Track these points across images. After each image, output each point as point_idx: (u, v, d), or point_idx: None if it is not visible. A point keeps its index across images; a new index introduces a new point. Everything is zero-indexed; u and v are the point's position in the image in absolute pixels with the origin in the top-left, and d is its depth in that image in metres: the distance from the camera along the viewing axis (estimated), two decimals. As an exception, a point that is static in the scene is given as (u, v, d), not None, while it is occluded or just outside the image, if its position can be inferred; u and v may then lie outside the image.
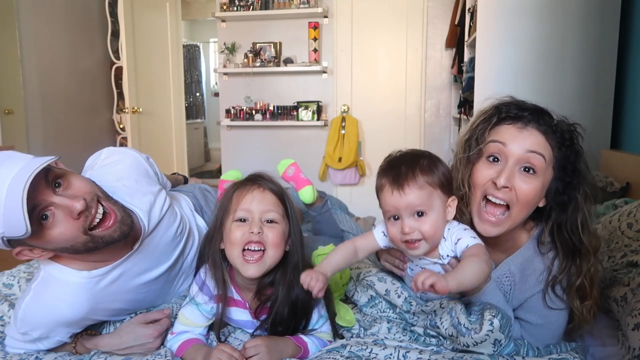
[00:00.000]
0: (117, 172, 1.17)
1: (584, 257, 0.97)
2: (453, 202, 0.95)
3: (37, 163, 0.90)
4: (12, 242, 0.93)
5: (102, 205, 1.01)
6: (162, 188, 1.26)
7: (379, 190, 0.95)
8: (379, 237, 1.04)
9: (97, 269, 1.06)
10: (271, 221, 1.02)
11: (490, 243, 1.05)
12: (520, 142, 0.95)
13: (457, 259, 0.95)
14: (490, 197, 0.97)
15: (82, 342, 1.11)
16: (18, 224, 0.87)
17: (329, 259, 1.01)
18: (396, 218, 0.93)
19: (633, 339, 0.93)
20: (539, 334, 1.02)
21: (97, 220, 0.99)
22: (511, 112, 0.99)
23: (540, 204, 0.99)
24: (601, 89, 2.21)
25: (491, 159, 0.98)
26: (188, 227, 1.31)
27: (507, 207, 0.96)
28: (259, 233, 0.99)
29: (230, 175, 1.47)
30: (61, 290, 1.04)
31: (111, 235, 1.01)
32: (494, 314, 0.93)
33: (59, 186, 0.97)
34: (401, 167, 0.92)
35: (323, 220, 1.59)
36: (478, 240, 0.92)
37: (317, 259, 1.28)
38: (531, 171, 0.94)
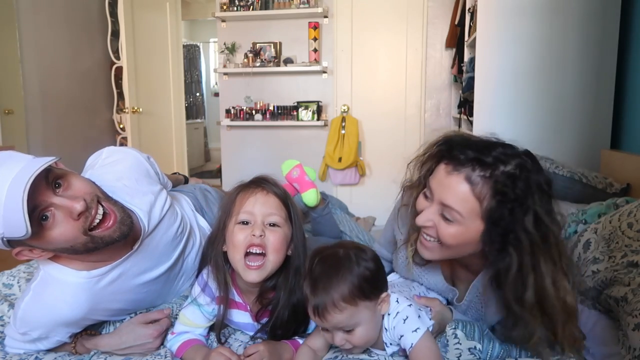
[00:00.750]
0: (118, 172, 1.17)
1: (532, 316, 0.88)
2: (386, 298, 0.92)
3: (37, 164, 0.90)
4: (12, 243, 0.93)
5: (102, 206, 1.01)
6: (162, 188, 1.26)
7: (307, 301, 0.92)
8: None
9: (96, 269, 1.06)
10: (273, 224, 1.02)
11: (461, 264, 1.07)
12: (441, 191, 0.90)
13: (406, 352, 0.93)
14: (422, 232, 0.98)
15: (81, 342, 1.11)
16: (18, 224, 0.87)
17: None
18: (327, 330, 0.92)
19: (634, 339, 0.93)
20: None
21: (97, 220, 0.99)
22: (452, 151, 0.91)
23: (486, 250, 0.92)
24: (601, 89, 2.21)
25: (425, 195, 0.97)
26: (189, 227, 1.31)
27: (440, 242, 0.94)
28: (260, 236, 0.99)
29: (289, 165, 1.41)
30: (61, 291, 1.04)
31: (111, 236, 1.01)
32: (454, 326, 0.95)
33: (59, 187, 0.97)
34: (321, 296, 0.87)
35: (324, 222, 1.60)
36: (420, 334, 0.89)
37: None
38: (449, 220, 0.90)
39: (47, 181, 0.95)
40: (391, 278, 1.20)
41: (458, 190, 0.87)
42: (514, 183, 0.84)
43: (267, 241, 1.00)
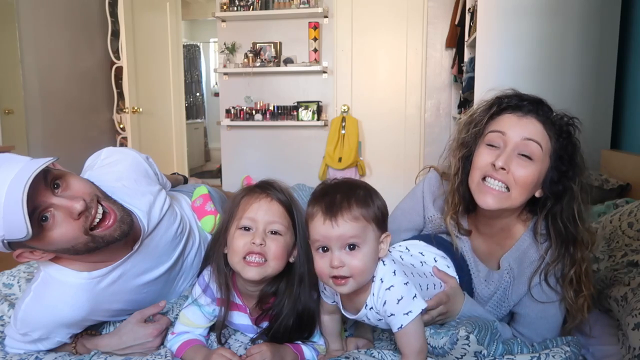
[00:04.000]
0: (117, 173, 1.17)
1: (578, 247, 1.00)
2: (386, 239, 0.88)
3: (36, 165, 0.90)
4: (12, 245, 0.93)
5: (102, 205, 1.01)
6: (161, 188, 1.26)
7: (309, 218, 0.87)
8: (323, 297, 1.02)
9: (97, 270, 1.06)
10: (275, 232, 1.01)
11: (487, 234, 1.09)
12: (519, 130, 0.98)
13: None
14: (488, 180, 1.00)
15: (82, 342, 1.11)
16: (19, 226, 0.86)
17: (330, 338, 1.04)
18: (325, 250, 0.86)
19: (633, 338, 0.93)
20: (538, 327, 1.04)
21: (97, 220, 0.99)
22: (512, 102, 1.02)
23: (537, 194, 1.01)
24: (601, 89, 2.21)
25: (490, 145, 1.02)
26: (188, 226, 1.31)
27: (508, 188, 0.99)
28: (260, 244, 0.98)
29: (198, 192, 1.46)
30: (61, 292, 1.04)
31: (112, 235, 1.00)
32: (469, 331, 0.93)
33: (58, 187, 0.97)
34: (336, 196, 0.85)
35: None
36: (411, 317, 0.86)
37: None
38: (528, 157, 0.97)
39: (46, 182, 0.94)
40: (411, 242, 1.16)
41: (535, 127, 0.98)
42: (565, 125, 1.00)
43: (268, 249, 0.99)
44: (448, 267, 1.09)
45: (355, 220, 0.83)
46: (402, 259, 1.02)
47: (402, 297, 0.87)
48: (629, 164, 1.90)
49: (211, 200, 1.42)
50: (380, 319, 0.92)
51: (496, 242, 1.09)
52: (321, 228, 0.84)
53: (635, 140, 2.11)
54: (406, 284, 0.89)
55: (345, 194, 0.85)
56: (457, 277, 1.09)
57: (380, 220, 0.87)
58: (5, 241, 0.91)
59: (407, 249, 1.10)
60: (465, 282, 1.10)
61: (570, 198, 0.99)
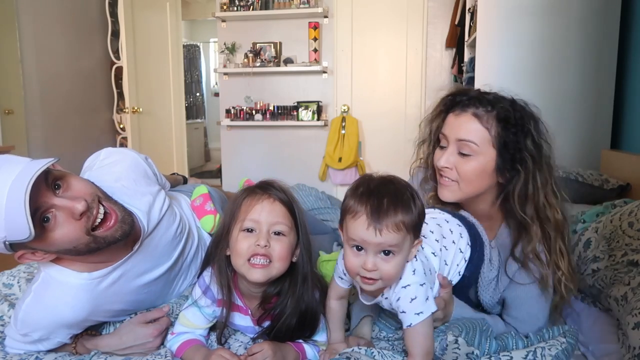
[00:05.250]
0: (116, 173, 1.17)
1: (532, 225, 1.03)
2: (417, 245, 0.90)
3: (36, 165, 0.90)
4: (14, 246, 0.93)
5: (103, 206, 1.01)
6: (161, 188, 1.26)
7: (348, 214, 0.86)
8: (339, 282, 1.03)
9: (97, 271, 1.06)
10: (279, 233, 1.00)
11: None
12: (455, 130, 1.06)
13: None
14: (443, 176, 1.10)
15: (82, 343, 1.11)
16: (21, 227, 0.86)
17: (333, 327, 1.05)
18: (359, 249, 0.86)
19: (633, 337, 0.93)
20: (526, 310, 1.06)
21: (99, 220, 0.99)
22: (454, 99, 1.09)
23: (501, 180, 1.07)
24: (601, 89, 2.21)
25: (440, 147, 1.11)
26: (188, 227, 1.31)
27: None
28: (265, 246, 0.98)
29: (197, 192, 1.47)
30: (62, 292, 1.04)
31: (113, 235, 1.00)
32: (456, 335, 0.95)
33: (59, 188, 0.97)
34: (383, 199, 0.83)
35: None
36: (421, 318, 0.88)
37: (323, 265, 1.28)
38: (466, 155, 1.05)
39: (47, 183, 0.94)
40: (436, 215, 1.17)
41: (469, 124, 1.04)
42: (513, 111, 1.03)
43: (273, 250, 0.98)
44: (461, 235, 1.09)
45: (398, 231, 0.83)
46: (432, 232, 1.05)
47: (415, 297, 0.89)
48: (629, 164, 1.90)
49: (211, 200, 1.42)
50: (393, 308, 0.95)
51: (487, 229, 1.13)
52: (363, 232, 0.83)
53: (635, 140, 2.11)
54: (422, 285, 0.90)
55: (392, 199, 0.84)
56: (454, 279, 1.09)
57: (418, 227, 0.88)
58: (7, 242, 0.90)
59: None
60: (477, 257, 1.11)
61: (520, 180, 1.03)
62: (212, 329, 1.13)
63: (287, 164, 3.96)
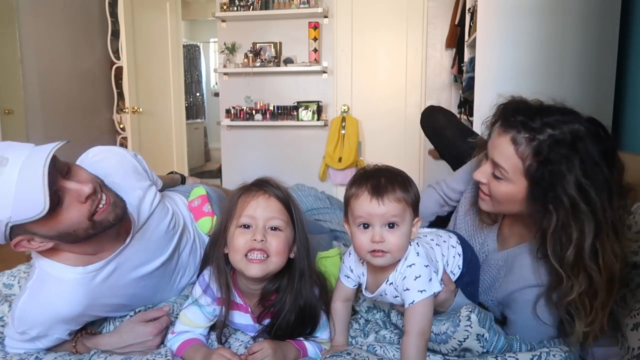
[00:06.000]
0: (105, 169, 1.18)
1: (573, 276, 0.92)
2: (417, 223, 0.97)
3: (47, 147, 0.93)
4: (13, 230, 0.94)
5: (102, 192, 1.03)
6: (152, 184, 1.27)
7: (352, 197, 0.95)
8: (345, 281, 1.08)
9: (92, 264, 1.07)
10: (275, 228, 1.01)
11: (509, 225, 1.16)
12: (491, 150, 1.03)
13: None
14: (480, 186, 1.11)
15: (82, 342, 1.11)
16: (35, 202, 0.88)
17: (337, 330, 1.07)
18: (366, 226, 0.94)
19: (632, 339, 0.93)
20: (523, 334, 1.04)
21: (102, 205, 1.01)
22: (506, 114, 1.03)
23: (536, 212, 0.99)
24: (601, 89, 2.21)
25: (486, 155, 1.09)
26: (182, 222, 1.32)
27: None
28: (262, 241, 0.99)
29: (195, 193, 1.49)
30: (57, 288, 1.04)
31: (107, 219, 1.02)
32: (470, 309, 0.98)
33: (66, 173, 0.99)
34: (381, 179, 0.94)
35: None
36: (423, 296, 0.94)
37: (322, 261, 1.28)
38: (499, 178, 1.02)
39: (56, 167, 0.96)
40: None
41: (504, 149, 0.99)
42: (556, 147, 0.91)
43: (269, 245, 1.00)
44: (450, 236, 1.15)
45: (398, 202, 0.92)
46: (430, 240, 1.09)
47: (420, 276, 0.95)
48: (629, 164, 1.89)
49: (209, 202, 1.44)
50: (396, 296, 0.99)
51: (514, 234, 1.14)
52: (367, 206, 0.92)
53: (635, 140, 2.11)
54: (426, 266, 0.97)
55: (388, 178, 0.94)
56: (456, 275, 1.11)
57: (416, 205, 0.96)
58: (9, 225, 0.91)
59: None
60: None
61: (552, 221, 0.93)
62: (212, 328, 1.13)
63: (287, 164, 3.96)
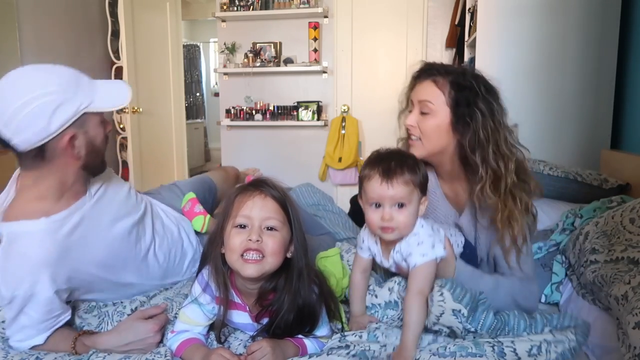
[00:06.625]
0: None
1: (478, 170, 1.15)
2: (424, 201, 1.09)
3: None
4: (79, 119, 1.11)
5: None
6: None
7: (366, 178, 1.06)
8: (360, 252, 1.18)
9: (54, 214, 1.13)
10: (271, 228, 1.02)
11: (448, 180, 1.31)
12: (417, 94, 1.23)
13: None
14: (409, 138, 1.27)
15: (81, 341, 1.11)
16: (119, 95, 1.18)
17: (355, 300, 1.17)
18: (377, 206, 1.05)
19: (634, 337, 0.93)
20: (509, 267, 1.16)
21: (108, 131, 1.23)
22: (416, 71, 1.26)
23: (457, 137, 1.19)
24: (601, 89, 2.21)
25: (409, 110, 1.27)
26: (144, 199, 1.44)
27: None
28: (257, 241, 0.99)
29: (186, 198, 1.61)
30: (26, 240, 1.09)
31: (103, 151, 1.23)
32: (441, 285, 1.02)
33: None
34: (391, 162, 1.04)
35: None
36: (425, 259, 1.04)
37: (321, 261, 1.29)
38: (426, 113, 1.20)
39: None
40: None
41: (426, 87, 1.21)
42: (465, 78, 1.18)
43: (265, 245, 1.00)
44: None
45: (406, 185, 1.03)
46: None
47: (422, 242, 1.05)
48: (628, 164, 1.90)
49: (199, 203, 1.57)
50: (403, 260, 1.08)
51: (461, 188, 1.28)
52: (378, 188, 1.03)
53: (635, 140, 2.11)
54: (430, 235, 1.07)
55: (398, 161, 1.04)
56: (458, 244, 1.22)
57: (423, 186, 1.07)
58: (83, 111, 1.11)
59: None
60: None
61: (470, 131, 1.16)
62: (211, 327, 1.13)
63: (287, 164, 3.96)
